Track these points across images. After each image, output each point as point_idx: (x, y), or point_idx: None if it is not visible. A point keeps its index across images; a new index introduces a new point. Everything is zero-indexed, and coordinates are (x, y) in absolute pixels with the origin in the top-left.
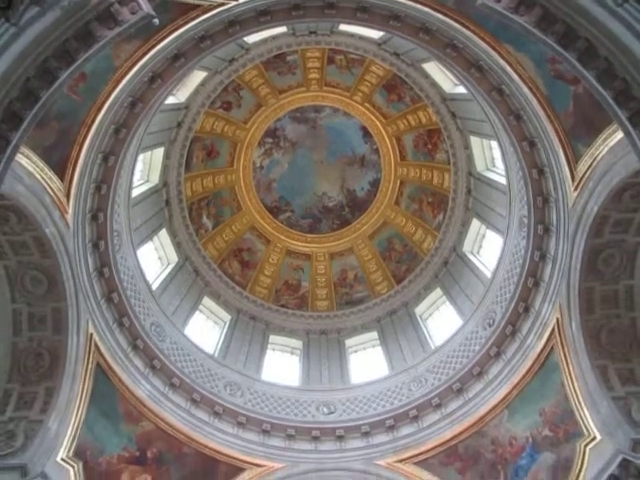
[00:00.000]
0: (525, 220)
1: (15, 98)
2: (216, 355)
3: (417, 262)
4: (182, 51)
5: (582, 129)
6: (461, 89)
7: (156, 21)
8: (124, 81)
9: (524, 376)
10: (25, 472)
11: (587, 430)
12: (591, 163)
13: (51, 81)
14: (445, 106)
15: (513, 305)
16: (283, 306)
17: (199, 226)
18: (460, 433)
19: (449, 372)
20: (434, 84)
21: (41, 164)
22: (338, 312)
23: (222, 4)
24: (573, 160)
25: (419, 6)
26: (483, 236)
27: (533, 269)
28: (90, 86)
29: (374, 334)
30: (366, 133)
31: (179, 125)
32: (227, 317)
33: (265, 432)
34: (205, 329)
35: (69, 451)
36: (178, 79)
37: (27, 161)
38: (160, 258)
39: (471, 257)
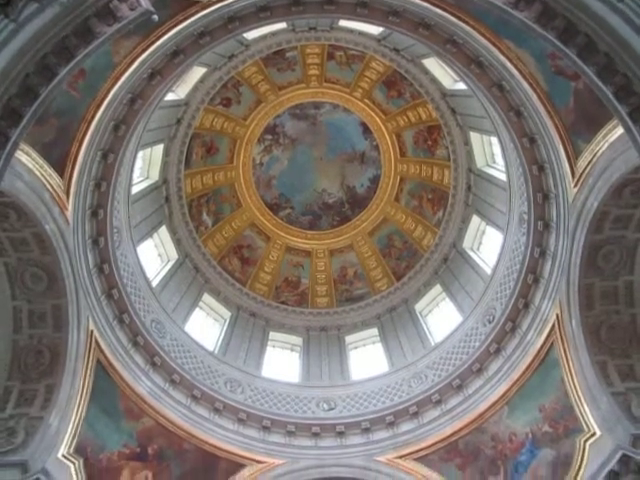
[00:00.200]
0: (525, 216)
1: (14, 95)
2: (216, 352)
3: (417, 259)
4: (181, 47)
5: (582, 125)
6: (461, 85)
7: (155, 17)
8: (123, 77)
9: (524, 372)
10: (26, 469)
11: (587, 426)
12: (591, 159)
13: (50, 77)
14: (445, 102)
15: (513, 301)
16: (283, 303)
17: (199, 223)
18: (460, 429)
19: (449, 368)
20: (434, 80)
21: (41, 161)
22: (338, 309)
23: (221, 0)
24: (573, 156)
25: (418, 1)
26: (483, 232)
27: (533, 265)
28: (89, 83)
29: (374, 331)
30: (366, 129)
31: (179, 122)
32: (227, 314)
33: (265, 428)
34: (205, 326)
35: (70, 448)
36: (177, 75)
37: (27, 158)
38: (160, 255)
39: (471, 253)
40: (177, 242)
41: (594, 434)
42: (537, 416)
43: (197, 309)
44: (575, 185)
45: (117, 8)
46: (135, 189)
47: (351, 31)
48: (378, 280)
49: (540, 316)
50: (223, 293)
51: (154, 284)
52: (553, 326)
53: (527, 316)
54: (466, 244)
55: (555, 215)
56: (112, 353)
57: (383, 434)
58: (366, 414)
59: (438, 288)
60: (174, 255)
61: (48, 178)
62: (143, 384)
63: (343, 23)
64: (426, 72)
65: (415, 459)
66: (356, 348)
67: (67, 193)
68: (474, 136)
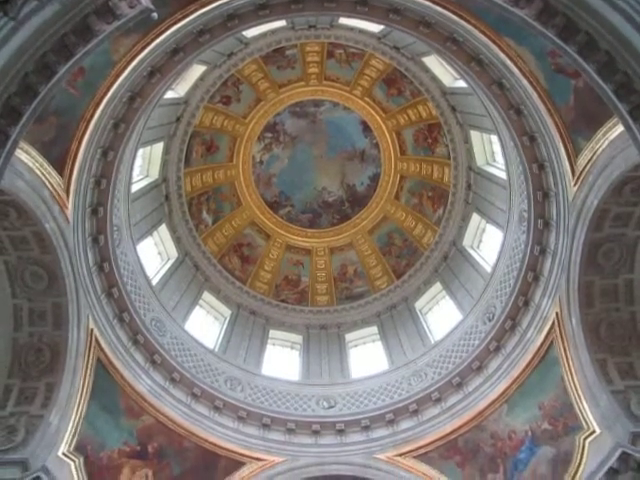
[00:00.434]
0: (525, 214)
1: (14, 93)
2: (216, 350)
3: (417, 257)
4: (181, 45)
5: (582, 123)
6: (461, 83)
7: (155, 15)
8: (123, 76)
9: (524, 370)
10: (26, 467)
11: (586, 424)
12: (591, 157)
13: (50, 76)
14: (445, 100)
15: (513, 299)
16: (283, 301)
17: (199, 221)
18: (460, 427)
19: (449, 366)
20: (434, 78)
21: (40, 159)
22: (338, 307)
23: None
24: (573, 154)
25: None
26: (483, 230)
27: (533, 263)
28: (89, 81)
29: (374, 329)
30: (366, 127)
31: (178, 120)
32: (227, 312)
33: (265, 426)
34: (205, 324)
35: (70, 446)
36: (177, 73)
37: (26, 156)
38: (160, 253)
39: (471, 251)
40: (177, 240)
41: (593, 432)
42: (537, 414)
43: (197, 307)
44: (575, 183)
45: (116, 6)
46: (135, 187)
47: (351, 29)
48: (378, 278)
49: (540, 314)
50: (223, 291)
51: (154, 282)
52: (553, 324)
53: (527, 314)
54: (466, 242)
55: (555, 213)
56: (112, 351)
57: (383, 432)
58: (366, 412)
59: (438, 286)
60: (174, 253)
61: (48, 176)
62: (143, 382)
63: (343, 21)
64: (426, 70)
65: (415, 457)
66: (356, 346)
67: (67, 191)
68: (474, 134)
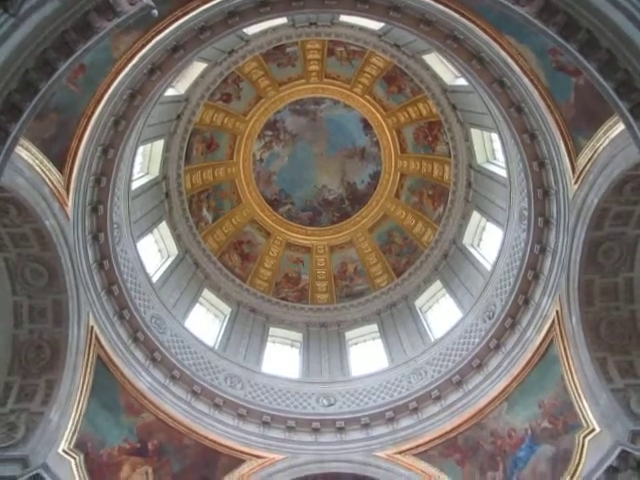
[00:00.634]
0: (525, 213)
1: (14, 90)
2: (216, 347)
3: (417, 255)
4: (181, 42)
5: (583, 121)
6: (462, 81)
7: (155, 12)
8: (123, 73)
9: (523, 368)
10: (26, 464)
11: (586, 422)
12: (592, 155)
13: (50, 72)
14: (446, 98)
15: (513, 298)
16: (283, 299)
17: (199, 219)
18: (459, 425)
19: (449, 364)
20: (435, 76)
21: (40, 156)
22: (338, 305)
23: None
24: (574, 152)
25: None
26: (483, 229)
27: (533, 262)
28: (89, 78)
29: (374, 327)
30: (366, 125)
31: (179, 117)
32: (227, 310)
33: (265, 424)
34: (205, 321)
35: (70, 443)
36: (177, 71)
37: (27, 153)
38: (160, 251)
39: (471, 250)
40: (177, 238)
41: (593, 430)
42: (536, 412)
43: (197, 305)
44: (575, 181)
45: (117, 3)
46: (135, 185)
47: (352, 27)
48: (378, 276)
49: (540, 312)
50: (223, 289)
51: (154, 280)
52: (553, 322)
53: (527, 312)
54: (466, 240)
55: (555, 211)
56: (112, 349)
57: (383, 430)
58: (366, 410)
59: (438, 284)
60: (174, 251)
61: (48, 174)
62: (143, 380)
63: (344, 18)
64: (427, 68)
65: (414, 455)
66: (356, 344)
67: (67, 189)
68: (475, 132)
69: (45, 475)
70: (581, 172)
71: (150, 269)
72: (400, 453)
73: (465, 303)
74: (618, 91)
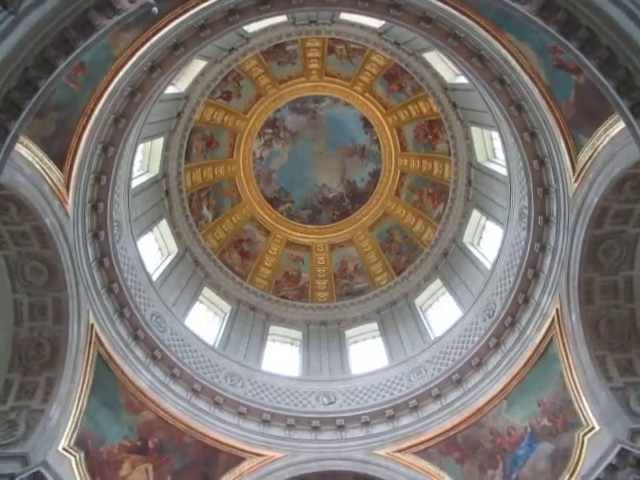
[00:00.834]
0: (525, 211)
1: (14, 87)
2: (216, 346)
3: (417, 253)
4: (182, 40)
5: (583, 119)
6: (462, 79)
7: (155, 10)
8: (123, 70)
9: (523, 367)
10: (26, 461)
11: (585, 420)
12: (592, 154)
13: (50, 70)
14: (446, 96)
15: (513, 296)
16: (283, 297)
17: (199, 217)
18: (459, 423)
19: (448, 363)
20: (435, 74)
21: (40, 154)
22: (338, 303)
23: None
24: (574, 151)
25: None
26: (483, 227)
27: (533, 260)
28: (89, 76)
29: (374, 325)
30: (366, 124)
31: (179, 115)
32: (227, 308)
33: (265, 422)
34: (205, 320)
35: (70, 440)
36: (178, 68)
37: (26, 151)
38: (160, 249)
39: (471, 248)
40: (177, 236)
41: (593, 428)
42: (536, 410)
43: (197, 303)
44: (576, 180)
45: (117, 0)
46: (135, 183)
47: (352, 24)
48: (378, 274)
49: (540, 311)
50: (223, 287)
51: (154, 278)
52: (553, 321)
53: (527, 311)
54: (466, 239)
55: (555, 210)
56: (112, 347)
57: (383, 428)
58: (366, 408)
59: (438, 283)
60: (174, 249)
61: (48, 171)
62: (143, 378)
63: (344, 16)
64: (427, 66)
65: (414, 453)
66: (356, 342)
67: (67, 186)
68: (475, 130)
69: (45, 473)
70: (581, 170)
71: (150, 267)
72: (400, 451)
73: (465, 301)
74: (618, 89)
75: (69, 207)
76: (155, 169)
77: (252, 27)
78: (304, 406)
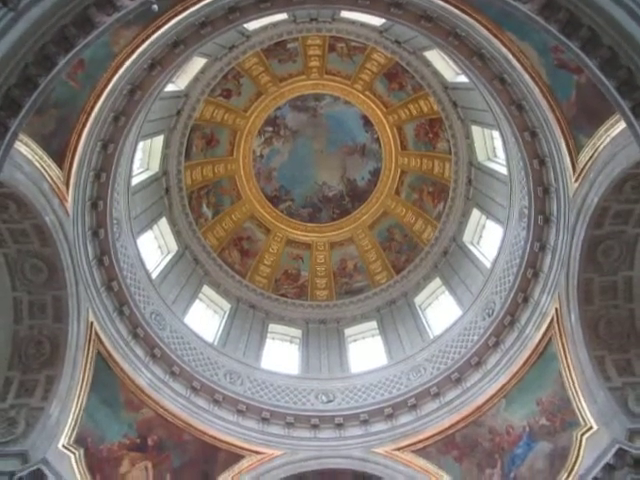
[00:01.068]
0: (525, 210)
1: (13, 85)
2: (216, 344)
3: (417, 252)
4: (182, 38)
5: (584, 119)
6: (463, 78)
7: (155, 7)
8: (123, 68)
9: (522, 366)
10: (26, 459)
11: (584, 420)
12: (592, 154)
13: (49, 68)
14: (447, 95)
15: (512, 295)
16: (283, 295)
17: (199, 215)
18: (458, 422)
19: (447, 362)
20: (436, 73)
21: (40, 152)
22: (337, 301)
23: None
24: (574, 150)
25: None
26: (483, 226)
27: (533, 260)
28: (89, 73)
29: (373, 323)
30: (367, 122)
31: (179, 113)
32: (227, 306)
33: (264, 420)
34: (205, 318)
35: (70, 438)
36: (178, 66)
37: (26, 149)
38: (160, 247)
39: (471, 247)
40: (177, 234)
41: (591, 428)
42: (534, 409)
43: (197, 301)
44: (576, 179)
45: None
46: (135, 180)
47: (353, 22)
48: (378, 273)
49: (539, 310)
50: (223, 285)
51: (154, 276)
52: (552, 320)
53: (526, 310)
54: (466, 238)
55: (555, 209)
56: (112, 345)
57: (381, 426)
58: (365, 406)
59: (438, 282)
60: (174, 247)
61: (47, 169)
62: (143, 375)
63: (345, 14)
64: (428, 64)
65: (413, 451)
66: (355, 341)
67: (67, 184)
68: (475, 129)
69: (45, 470)
70: (582, 170)
71: (150, 265)
72: (399, 449)
73: (464, 301)
74: (620, 89)
75: (69, 205)
76: (155, 167)
77: (253, 25)
78: (303, 404)
